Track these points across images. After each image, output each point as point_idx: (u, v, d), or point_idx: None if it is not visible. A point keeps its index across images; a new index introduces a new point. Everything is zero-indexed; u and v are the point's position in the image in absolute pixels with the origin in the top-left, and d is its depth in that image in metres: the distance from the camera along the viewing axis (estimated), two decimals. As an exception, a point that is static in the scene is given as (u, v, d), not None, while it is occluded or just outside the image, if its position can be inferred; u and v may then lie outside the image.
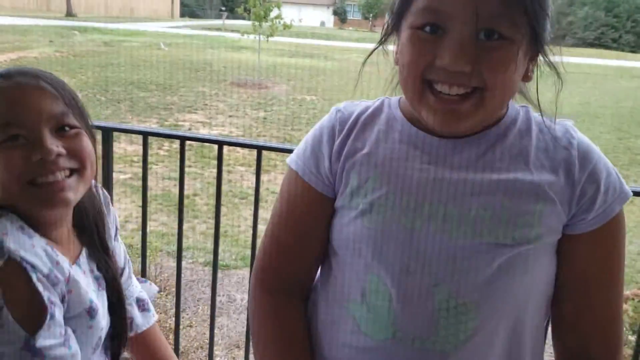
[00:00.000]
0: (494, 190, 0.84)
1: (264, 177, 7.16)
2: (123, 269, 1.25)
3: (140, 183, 2.32)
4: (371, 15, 48.36)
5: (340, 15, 52.51)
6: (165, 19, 34.90)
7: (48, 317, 0.91)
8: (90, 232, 1.13)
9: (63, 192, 0.97)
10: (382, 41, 0.91)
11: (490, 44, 0.78)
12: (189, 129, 9.63)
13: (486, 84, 0.78)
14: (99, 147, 1.21)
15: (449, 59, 0.77)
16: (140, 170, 2.23)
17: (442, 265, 0.84)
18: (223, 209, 6.38)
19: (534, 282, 0.85)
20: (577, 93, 14.81)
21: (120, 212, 5.15)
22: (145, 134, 2.17)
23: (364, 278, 0.89)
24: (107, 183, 2.17)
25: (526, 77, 0.85)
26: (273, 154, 4.62)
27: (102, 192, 1.20)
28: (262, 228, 1.21)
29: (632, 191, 0.90)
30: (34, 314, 0.90)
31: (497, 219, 0.82)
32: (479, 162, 0.86)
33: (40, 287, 0.91)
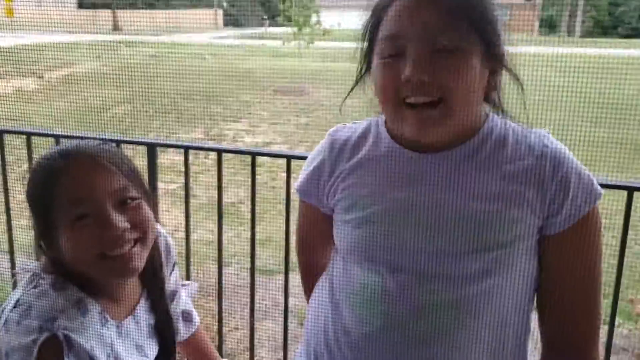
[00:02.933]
0: (470, 200, 0.91)
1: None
2: (175, 292, 1.38)
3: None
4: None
5: (382, 18, 52.52)
6: (210, 29, 35.57)
7: None
8: (151, 275, 1.24)
9: (131, 263, 1.08)
10: (358, 80, 1.03)
11: (444, 55, 0.88)
12: (233, 138, 9.85)
13: (448, 93, 0.89)
14: (144, 161, 1.35)
15: (409, 71, 0.89)
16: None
17: (425, 268, 0.92)
18: (266, 216, 6.52)
19: (513, 282, 0.91)
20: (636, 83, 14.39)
21: (170, 221, 5.34)
22: (186, 148, 2.30)
23: (360, 274, 0.99)
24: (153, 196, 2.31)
25: (490, 87, 0.94)
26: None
27: (162, 234, 1.33)
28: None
29: (606, 184, 0.96)
30: None
31: (473, 227, 0.89)
32: (456, 174, 0.94)
33: None
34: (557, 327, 0.97)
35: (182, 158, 2.25)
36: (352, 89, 1.07)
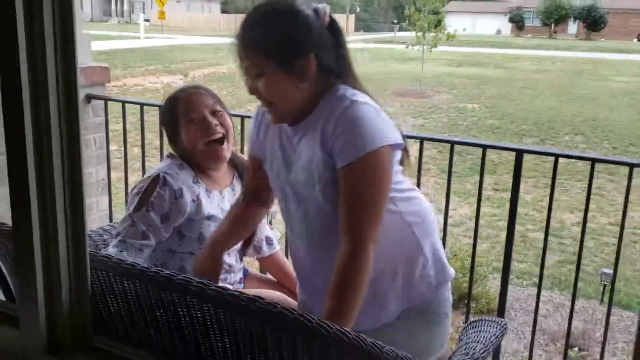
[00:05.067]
0: (307, 155, 1.41)
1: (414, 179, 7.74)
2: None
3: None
4: (551, 21, 46.15)
5: (518, 23, 50.84)
6: (340, 33, 36.57)
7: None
8: (239, 174, 1.93)
9: (222, 153, 1.77)
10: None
11: (258, 79, 1.36)
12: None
13: (270, 100, 1.38)
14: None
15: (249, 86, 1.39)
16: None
17: (295, 194, 1.47)
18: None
19: (334, 198, 1.38)
20: None
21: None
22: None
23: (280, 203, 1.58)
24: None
25: (302, 80, 1.35)
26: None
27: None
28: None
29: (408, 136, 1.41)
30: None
31: (306, 173, 1.40)
32: (302, 138, 1.43)
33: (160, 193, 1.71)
34: (342, 226, 1.34)
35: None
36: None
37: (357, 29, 43.50)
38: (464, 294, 4.18)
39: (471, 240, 2.76)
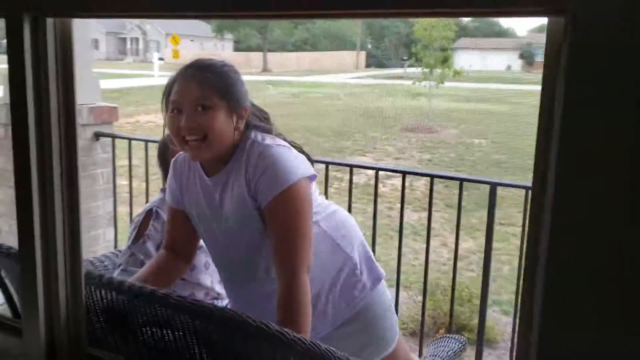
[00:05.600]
0: (230, 201, 1.55)
1: (421, 214, 7.83)
2: None
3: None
4: (561, 56, 46.40)
5: (528, 59, 51.34)
6: (351, 70, 37.18)
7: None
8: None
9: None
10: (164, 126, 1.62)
11: (202, 111, 1.48)
12: (356, 170, 10.56)
13: (205, 133, 1.48)
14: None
15: (184, 121, 1.49)
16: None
17: (223, 240, 1.62)
18: (378, 239, 7.17)
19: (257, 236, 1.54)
20: None
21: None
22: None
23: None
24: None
25: (237, 128, 1.53)
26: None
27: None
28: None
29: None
30: None
31: (234, 218, 1.55)
32: (224, 187, 1.56)
33: None
34: (275, 259, 1.49)
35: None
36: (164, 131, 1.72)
37: (367, 65, 44.10)
38: (462, 325, 4.27)
39: (474, 274, 2.91)
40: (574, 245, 0.65)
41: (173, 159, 1.71)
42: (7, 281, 1.60)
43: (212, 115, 1.48)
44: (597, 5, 0.57)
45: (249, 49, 43.87)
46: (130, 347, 1.25)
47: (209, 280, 1.91)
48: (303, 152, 1.61)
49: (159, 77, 26.35)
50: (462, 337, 1.60)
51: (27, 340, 1.20)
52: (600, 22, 0.57)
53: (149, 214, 1.88)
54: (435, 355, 1.42)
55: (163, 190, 1.97)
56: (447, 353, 1.43)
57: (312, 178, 1.54)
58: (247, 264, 1.60)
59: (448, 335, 1.60)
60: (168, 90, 1.56)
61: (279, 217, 1.47)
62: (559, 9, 0.61)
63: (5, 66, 1.13)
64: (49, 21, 1.10)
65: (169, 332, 1.17)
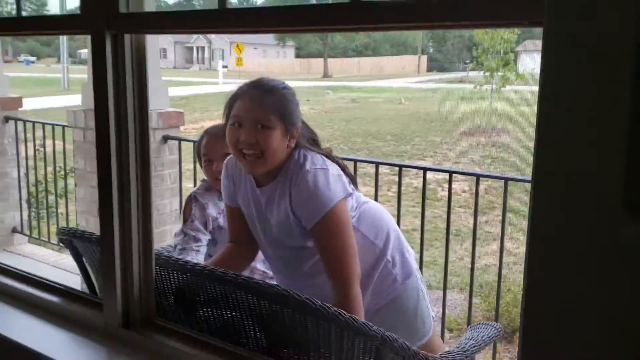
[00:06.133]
0: (276, 213, 1.69)
1: (481, 218, 7.82)
2: None
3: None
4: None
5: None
6: (412, 74, 37.05)
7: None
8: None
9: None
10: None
11: (262, 129, 1.61)
12: (415, 174, 10.61)
13: (262, 150, 1.61)
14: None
15: (244, 136, 1.63)
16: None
17: (270, 244, 1.77)
18: (437, 243, 7.21)
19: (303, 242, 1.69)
20: None
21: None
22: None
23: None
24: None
25: (289, 147, 1.67)
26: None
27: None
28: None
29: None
30: None
31: (278, 228, 1.70)
32: (269, 201, 1.71)
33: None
34: (328, 274, 1.63)
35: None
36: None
37: (429, 70, 43.81)
38: (517, 327, 4.30)
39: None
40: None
41: (226, 160, 1.88)
42: (87, 264, 1.81)
43: (269, 134, 1.62)
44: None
45: (310, 55, 44.40)
46: (192, 320, 1.43)
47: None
48: (343, 170, 1.75)
49: (223, 85, 27.12)
50: (499, 324, 1.70)
51: (107, 312, 1.40)
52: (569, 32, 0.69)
53: (189, 199, 2.16)
54: (471, 339, 1.52)
55: (203, 180, 2.22)
56: (482, 337, 1.54)
57: (347, 196, 1.69)
58: (292, 261, 1.77)
59: (486, 322, 1.70)
60: (231, 103, 1.70)
61: (324, 238, 1.63)
62: (537, 21, 0.73)
63: (82, 76, 1.33)
64: (127, 37, 1.29)
65: (225, 307, 1.34)
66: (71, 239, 1.76)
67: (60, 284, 1.61)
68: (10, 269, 1.74)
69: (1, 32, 1.92)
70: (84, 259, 1.81)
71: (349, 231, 1.64)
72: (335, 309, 1.19)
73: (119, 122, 1.32)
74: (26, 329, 1.49)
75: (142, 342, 1.35)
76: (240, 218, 1.83)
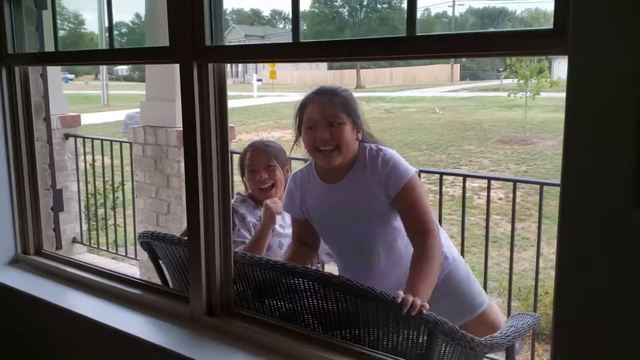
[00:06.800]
0: (357, 200, 1.92)
1: (518, 225, 7.89)
2: None
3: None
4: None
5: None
6: (445, 83, 36.94)
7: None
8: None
9: (270, 196, 2.30)
10: (295, 141, 2.00)
11: (334, 126, 1.85)
12: (452, 182, 10.70)
13: (338, 144, 1.85)
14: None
15: (319, 135, 1.86)
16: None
17: (347, 233, 1.97)
18: (474, 249, 7.31)
19: (391, 228, 1.90)
20: None
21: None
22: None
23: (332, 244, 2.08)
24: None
25: (357, 139, 1.90)
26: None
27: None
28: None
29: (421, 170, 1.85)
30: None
31: (360, 213, 1.91)
32: (347, 189, 1.94)
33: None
34: (412, 228, 1.87)
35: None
36: (293, 144, 2.08)
37: (462, 78, 43.62)
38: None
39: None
40: None
41: (291, 176, 2.12)
42: (162, 264, 2.04)
43: (342, 129, 1.88)
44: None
45: (342, 67, 44.62)
46: (265, 309, 1.64)
47: None
48: None
49: (258, 97, 27.55)
50: (537, 314, 1.87)
51: (193, 304, 1.62)
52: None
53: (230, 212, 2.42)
54: (511, 326, 1.70)
55: (238, 194, 2.43)
56: (522, 325, 1.71)
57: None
58: (366, 251, 1.96)
59: (525, 312, 1.87)
60: (301, 112, 1.95)
61: (410, 198, 1.88)
62: (562, 50, 0.92)
63: (121, 92, 1.57)
64: (210, 66, 1.51)
65: (295, 296, 1.55)
66: (149, 241, 1.99)
67: (146, 281, 1.85)
68: (98, 268, 1.99)
69: (98, 62, 2.18)
70: (159, 261, 2.04)
71: (425, 194, 1.93)
72: (392, 296, 1.39)
73: (204, 137, 1.54)
74: (121, 318, 1.72)
75: (224, 327, 1.57)
76: (304, 225, 2.09)
